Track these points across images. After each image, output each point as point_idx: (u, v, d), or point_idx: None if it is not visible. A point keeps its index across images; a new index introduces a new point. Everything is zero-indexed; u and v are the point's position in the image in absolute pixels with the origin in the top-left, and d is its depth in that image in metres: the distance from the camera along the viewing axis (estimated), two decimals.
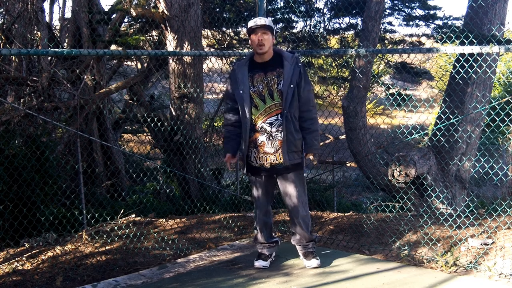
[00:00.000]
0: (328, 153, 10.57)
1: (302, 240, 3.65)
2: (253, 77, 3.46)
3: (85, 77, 7.39)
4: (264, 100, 3.43)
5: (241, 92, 3.44)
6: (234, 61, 10.80)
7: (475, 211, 4.20)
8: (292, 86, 3.39)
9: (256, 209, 3.67)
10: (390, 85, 7.96)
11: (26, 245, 4.46)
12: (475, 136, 5.79)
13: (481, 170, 4.62)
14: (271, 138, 3.43)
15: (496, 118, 4.07)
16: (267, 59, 3.48)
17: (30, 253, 4.17)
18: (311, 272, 3.46)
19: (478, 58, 4.56)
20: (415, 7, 9.87)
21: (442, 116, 5.45)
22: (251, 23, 3.42)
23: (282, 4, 9.86)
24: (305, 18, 9.76)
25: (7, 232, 4.74)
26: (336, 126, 6.86)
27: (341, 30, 10.18)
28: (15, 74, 6.78)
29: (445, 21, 9.70)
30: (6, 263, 3.97)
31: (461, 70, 5.02)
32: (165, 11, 6.40)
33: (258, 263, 3.61)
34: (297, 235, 3.66)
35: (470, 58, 4.46)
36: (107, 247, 4.29)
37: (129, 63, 11.31)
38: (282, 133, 3.41)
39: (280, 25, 9.95)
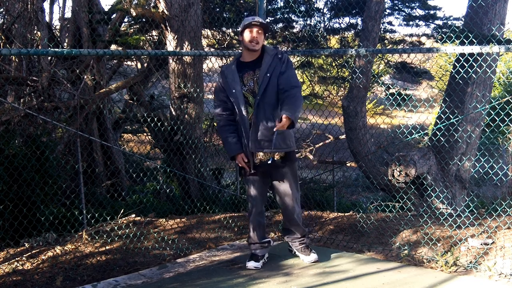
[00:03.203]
0: (328, 153, 10.58)
1: (298, 235, 3.72)
2: (242, 76, 3.47)
3: (85, 77, 7.39)
4: (256, 96, 3.43)
5: (233, 91, 3.43)
6: None
7: (475, 211, 4.20)
8: (268, 75, 3.37)
9: (251, 209, 3.65)
10: (390, 85, 7.96)
11: (26, 245, 4.46)
12: (475, 136, 5.79)
13: (481, 170, 4.62)
14: None
15: (496, 118, 4.08)
16: (255, 57, 3.49)
17: (30, 253, 4.17)
18: (311, 272, 3.46)
19: (478, 58, 4.56)
20: (415, 7, 9.87)
21: (442, 116, 5.45)
22: (249, 19, 3.42)
23: (282, 4, 9.87)
24: (305, 18, 9.76)
25: (7, 232, 4.74)
26: (336, 126, 6.86)
27: (341, 30, 10.18)
28: (15, 74, 6.78)
29: (445, 21, 9.70)
30: (6, 263, 3.97)
31: (461, 70, 5.03)
32: (165, 11, 6.40)
33: (251, 264, 3.62)
34: (292, 231, 3.71)
35: (470, 58, 4.46)
36: (107, 247, 4.29)
37: (129, 63, 11.30)
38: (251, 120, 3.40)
39: (280, 25, 9.95)
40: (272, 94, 3.38)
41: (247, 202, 3.72)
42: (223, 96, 3.51)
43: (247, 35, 3.42)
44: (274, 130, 3.24)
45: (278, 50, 3.49)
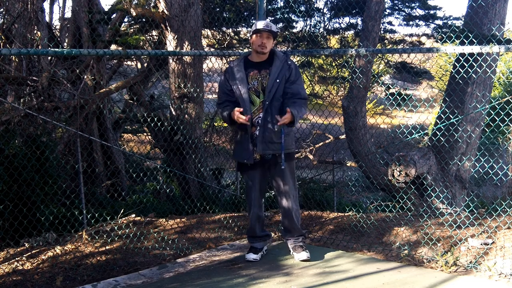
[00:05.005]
0: (328, 153, 10.58)
1: (294, 234, 3.81)
2: (248, 75, 3.63)
3: (85, 77, 7.39)
4: (259, 95, 3.62)
5: (239, 87, 3.60)
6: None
7: (475, 211, 4.20)
8: (278, 80, 3.56)
9: (250, 203, 3.77)
10: (390, 85, 7.96)
11: (26, 245, 4.46)
12: (475, 136, 5.79)
13: (481, 170, 4.62)
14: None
15: (496, 118, 4.08)
16: (263, 59, 3.66)
17: (30, 253, 4.17)
18: (311, 272, 3.46)
19: (478, 58, 4.56)
20: (415, 7, 9.87)
21: (442, 116, 5.45)
22: (260, 25, 3.55)
23: (282, 4, 9.86)
24: (305, 18, 9.76)
25: (7, 232, 4.73)
26: (336, 126, 6.86)
27: (341, 30, 10.17)
28: (15, 74, 6.78)
29: (445, 21, 9.69)
30: (6, 263, 3.97)
31: (461, 70, 5.02)
32: (165, 11, 6.40)
33: (250, 256, 3.75)
34: (290, 230, 3.81)
35: (470, 58, 4.46)
36: (107, 247, 4.29)
37: (129, 63, 11.30)
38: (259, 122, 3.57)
39: (280, 25, 9.94)
40: (279, 98, 3.58)
41: (246, 197, 3.84)
42: (228, 90, 3.68)
43: (256, 40, 3.59)
44: (278, 124, 3.46)
45: (288, 57, 3.66)
